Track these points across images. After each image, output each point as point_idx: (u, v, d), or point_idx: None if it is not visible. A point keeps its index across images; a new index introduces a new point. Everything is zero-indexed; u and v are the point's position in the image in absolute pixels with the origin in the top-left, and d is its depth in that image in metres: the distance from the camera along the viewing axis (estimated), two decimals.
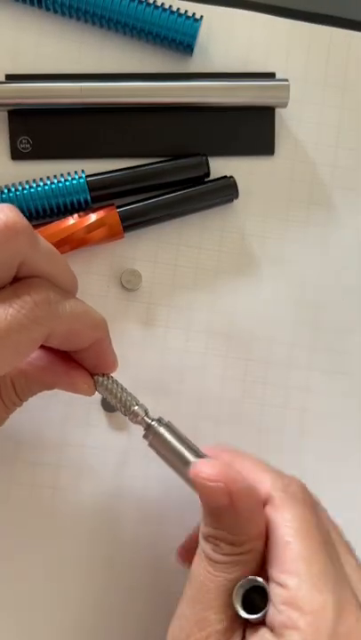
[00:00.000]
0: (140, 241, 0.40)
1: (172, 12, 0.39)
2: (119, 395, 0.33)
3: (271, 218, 0.41)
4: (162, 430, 0.33)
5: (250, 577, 0.29)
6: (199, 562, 0.30)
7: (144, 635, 0.38)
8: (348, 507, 0.40)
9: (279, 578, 0.28)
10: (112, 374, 0.34)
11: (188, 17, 0.39)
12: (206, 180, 0.40)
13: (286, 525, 0.29)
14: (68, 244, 0.38)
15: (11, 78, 0.39)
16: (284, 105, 0.40)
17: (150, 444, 0.33)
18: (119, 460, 0.39)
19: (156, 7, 0.39)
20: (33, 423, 0.39)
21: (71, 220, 0.38)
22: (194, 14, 0.39)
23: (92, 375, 0.33)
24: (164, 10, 0.39)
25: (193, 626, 0.29)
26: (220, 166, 0.40)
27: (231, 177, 0.39)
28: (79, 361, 0.33)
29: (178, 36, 0.39)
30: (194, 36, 0.39)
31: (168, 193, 0.39)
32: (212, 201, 0.39)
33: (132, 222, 0.38)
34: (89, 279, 0.40)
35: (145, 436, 0.33)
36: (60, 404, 0.39)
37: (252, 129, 0.40)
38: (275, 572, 0.28)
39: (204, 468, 0.29)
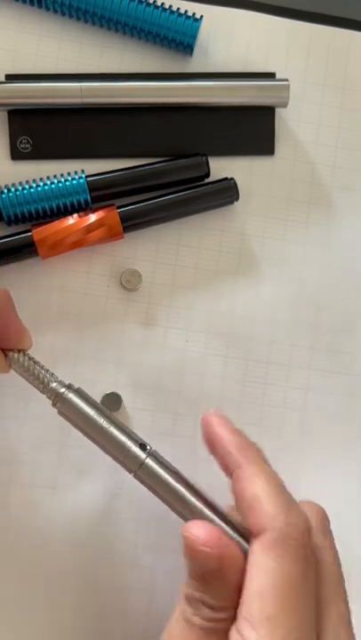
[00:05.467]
0: (140, 241, 0.40)
1: (172, 12, 0.39)
2: (36, 372, 0.32)
3: (271, 218, 0.41)
4: (70, 396, 0.32)
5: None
6: (176, 622, 0.29)
7: (143, 634, 0.38)
8: (347, 506, 0.40)
9: (241, 626, 0.27)
10: (28, 352, 0.33)
11: (188, 17, 0.39)
12: (207, 180, 0.40)
13: (266, 576, 0.27)
14: (68, 244, 0.38)
15: (11, 78, 0.39)
16: (285, 105, 0.40)
17: (60, 413, 0.32)
18: None
19: (156, 7, 0.39)
20: (33, 423, 0.39)
21: (71, 220, 0.38)
22: (194, 14, 0.39)
23: (4, 352, 0.33)
24: (164, 10, 0.39)
25: None
26: (220, 166, 0.40)
27: (232, 179, 0.39)
28: None
29: (178, 36, 0.39)
30: (194, 35, 0.39)
31: (168, 193, 0.39)
32: (213, 203, 0.39)
33: (131, 223, 0.38)
34: (89, 279, 0.40)
35: (53, 405, 0.32)
36: None
37: (252, 129, 0.40)
38: (240, 619, 0.27)
39: (194, 530, 0.28)
